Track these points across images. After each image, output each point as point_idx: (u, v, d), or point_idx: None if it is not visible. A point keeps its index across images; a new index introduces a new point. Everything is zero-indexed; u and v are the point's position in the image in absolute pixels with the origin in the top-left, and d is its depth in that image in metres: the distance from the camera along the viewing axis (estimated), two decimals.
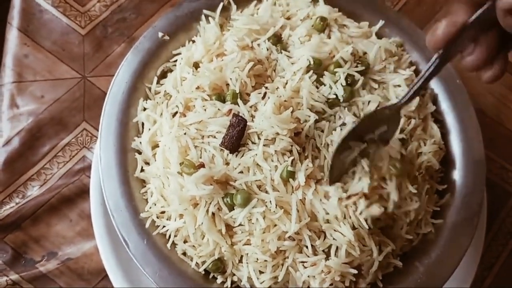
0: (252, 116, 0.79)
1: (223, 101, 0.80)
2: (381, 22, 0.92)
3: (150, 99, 0.86)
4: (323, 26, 0.87)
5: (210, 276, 0.78)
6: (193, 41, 0.91)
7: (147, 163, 0.83)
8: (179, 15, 0.92)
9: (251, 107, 0.80)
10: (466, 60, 0.62)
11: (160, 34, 0.90)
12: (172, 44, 0.91)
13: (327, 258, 0.74)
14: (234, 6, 0.92)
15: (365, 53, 0.87)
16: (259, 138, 0.77)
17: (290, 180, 0.75)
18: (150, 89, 0.87)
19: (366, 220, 0.74)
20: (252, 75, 0.82)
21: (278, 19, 0.89)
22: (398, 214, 0.78)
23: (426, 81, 0.69)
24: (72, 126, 1.04)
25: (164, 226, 0.78)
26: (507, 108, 1.13)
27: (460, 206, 0.83)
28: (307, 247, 0.74)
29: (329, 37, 0.87)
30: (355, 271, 0.74)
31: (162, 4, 1.16)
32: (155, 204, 0.79)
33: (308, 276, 0.74)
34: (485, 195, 0.89)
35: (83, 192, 0.99)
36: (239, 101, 0.79)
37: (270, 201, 0.74)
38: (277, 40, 0.87)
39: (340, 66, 0.83)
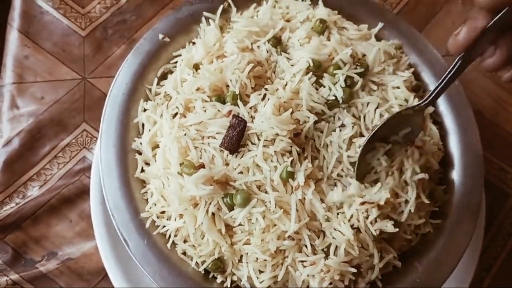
0: (252, 117, 0.79)
1: (223, 102, 0.81)
2: (380, 25, 0.93)
3: (151, 100, 0.87)
4: (323, 28, 0.88)
5: (210, 276, 0.78)
6: (193, 43, 0.91)
7: (147, 164, 0.83)
8: (180, 17, 0.93)
9: (251, 108, 0.80)
10: (487, 62, 0.66)
11: (161, 36, 0.90)
12: (172, 46, 0.91)
13: (326, 257, 0.74)
14: (234, 9, 0.93)
15: (364, 55, 0.87)
16: (258, 139, 0.77)
17: (290, 180, 0.76)
18: (150, 90, 0.88)
19: (375, 230, 0.75)
20: (252, 77, 0.82)
21: (277, 21, 0.89)
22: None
23: (448, 83, 0.73)
24: (72, 127, 1.05)
25: (164, 226, 0.79)
26: (505, 110, 1.14)
27: (459, 206, 0.83)
28: (306, 246, 0.74)
29: (328, 39, 0.88)
30: (354, 270, 0.75)
31: (162, 6, 1.17)
32: (155, 204, 0.80)
33: (308, 275, 0.74)
34: (483, 196, 0.89)
35: (83, 193, 0.99)
36: (239, 102, 0.80)
37: (270, 201, 0.74)
38: (276, 42, 0.87)
39: (339, 68, 0.84)
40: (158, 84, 0.88)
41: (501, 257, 1.02)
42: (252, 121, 0.79)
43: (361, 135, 0.82)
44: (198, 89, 0.82)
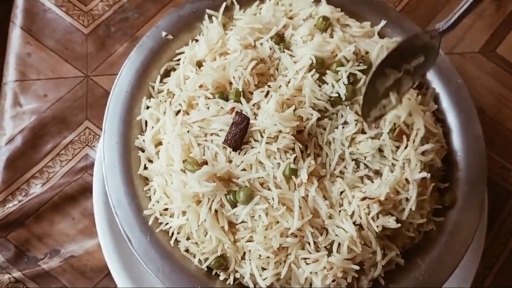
0: (255, 114, 0.79)
1: (226, 99, 0.81)
2: (383, 22, 0.93)
3: (153, 98, 0.87)
4: (326, 25, 0.88)
5: (213, 273, 0.78)
6: (196, 40, 0.91)
7: (150, 161, 0.83)
8: (182, 15, 0.93)
9: (254, 105, 0.80)
10: None
11: (164, 34, 0.90)
12: (175, 44, 0.91)
13: (329, 255, 0.74)
14: (237, 6, 0.93)
15: (367, 52, 0.87)
16: (261, 136, 0.77)
17: (293, 177, 0.76)
18: (153, 87, 0.88)
19: (377, 226, 0.75)
20: (254, 74, 0.83)
21: (280, 19, 0.89)
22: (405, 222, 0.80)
23: (469, 9, 0.70)
24: (74, 124, 1.05)
25: (167, 223, 0.79)
26: (507, 108, 1.13)
27: (462, 204, 0.83)
28: (309, 243, 0.74)
29: (331, 36, 0.88)
30: (357, 267, 0.74)
31: (164, 4, 1.17)
32: (158, 202, 0.80)
33: (311, 273, 0.74)
34: (486, 194, 0.89)
35: (86, 190, 0.99)
36: (242, 99, 0.80)
37: (273, 198, 0.74)
38: (279, 39, 0.87)
39: (342, 65, 0.84)
40: (161, 81, 0.88)
41: (503, 255, 1.02)
42: (255, 118, 0.79)
43: (363, 132, 0.82)
44: (201, 86, 0.82)
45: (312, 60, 0.82)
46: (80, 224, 0.98)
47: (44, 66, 1.09)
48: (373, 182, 0.78)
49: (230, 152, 0.77)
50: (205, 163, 0.76)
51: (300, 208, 0.74)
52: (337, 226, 0.75)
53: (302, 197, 0.75)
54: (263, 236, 0.74)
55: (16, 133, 1.03)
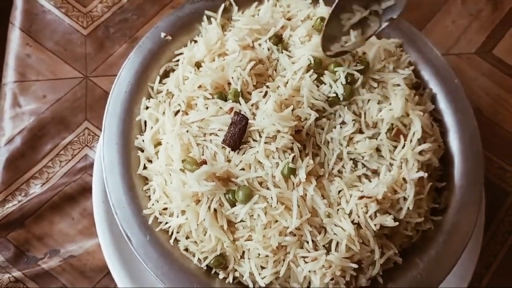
0: (254, 114, 0.80)
1: (225, 99, 0.82)
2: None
3: (153, 98, 0.87)
4: (323, 26, 0.88)
5: (212, 272, 0.79)
6: (195, 41, 0.92)
7: (150, 161, 0.84)
8: (181, 16, 0.93)
9: (252, 105, 0.81)
10: None
11: (163, 35, 0.91)
12: (174, 44, 0.92)
13: (327, 253, 0.75)
14: (235, 7, 0.94)
15: (364, 53, 0.88)
16: (260, 136, 0.78)
17: (291, 176, 0.76)
18: (152, 88, 0.89)
19: (375, 225, 0.76)
20: (253, 74, 0.83)
21: (278, 20, 0.90)
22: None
23: None
24: (74, 125, 1.05)
25: (166, 223, 0.79)
26: (504, 108, 1.14)
27: (459, 203, 0.84)
28: (308, 242, 0.75)
29: None
30: (356, 266, 0.75)
31: (163, 5, 1.18)
32: (157, 201, 0.80)
33: (309, 271, 0.74)
34: (483, 194, 0.90)
35: (85, 191, 1.00)
36: (240, 99, 0.80)
37: (272, 197, 0.75)
38: (278, 40, 0.88)
39: (340, 65, 0.84)
40: (160, 82, 0.89)
41: (500, 255, 1.03)
42: (253, 118, 0.79)
43: (361, 132, 0.82)
44: (200, 86, 0.83)
45: (310, 61, 0.83)
46: (79, 224, 0.98)
47: (44, 67, 1.09)
48: (371, 181, 0.79)
49: (229, 152, 0.78)
50: (204, 162, 0.76)
51: (299, 207, 0.75)
52: (335, 225, 0.76)
53: (301, 196, 0.76)
54: (262, 235, 0.74)
55: (15, 133, 1.03)
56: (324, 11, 0.91)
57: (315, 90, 0.82)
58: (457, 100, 0.90)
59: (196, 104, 0.82)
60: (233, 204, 0.76)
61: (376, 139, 0.82)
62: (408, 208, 0.78)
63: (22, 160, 1.02)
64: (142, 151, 0.84)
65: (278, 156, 0.77)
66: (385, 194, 0.76)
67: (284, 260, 0.75)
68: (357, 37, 0.79)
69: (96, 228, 0.90)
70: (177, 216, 0.78)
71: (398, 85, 0.85)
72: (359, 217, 0.76)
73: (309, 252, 0.75)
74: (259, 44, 0.87)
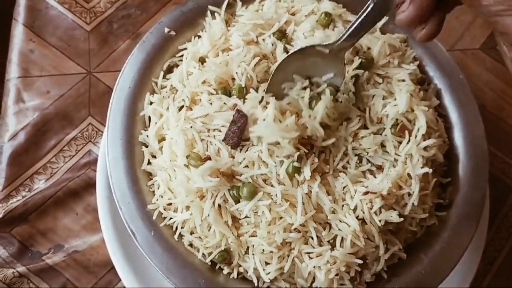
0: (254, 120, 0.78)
1: (229, 95, 0.81)
2: (385, 18, 0.93)
3: (157, 94, 0.87)
4: (328, 21, 0.88)
5: (217, 267, 0.79)
6: (199, 37, 0.92)
7: (154, 156, 0.84)
8: (185, 11, 0.93)
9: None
10: (400, 16, 0.65)
11: (166, 30, 0.91)
12: (178, 40, 0.92)
13: (332, 249, 0.75)
14: (239, 2, 0.93)
15: (369, 48, 0.87)
16: (261, 142, 0.77)
17: (296, 175, 0.76)
18: (156, 83, 0.88)
19: (380, 221, 0.76)
20: (259, 72, 0.82)
21: (282, 15, 0.90)
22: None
23: (361, 28, 0.74)
24: (77, 121, 1.05)
25: (171, 218, 0.79)
26: (508, 104, 1.14)
27: (464, 199, 0.84)
28: (312, 238, 0.75)
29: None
30: (360, 261, 0.75)
31: (166, 1, 1.17)
32: (162, 196, 0.80)
33: (314, 267, 0.74)
34: (488, 189, 0.89)
35: (89, 186, 1.00)
36: (240, 100, 0.79)
37: (276, 194, 0.74)
38: (281, 35, 0.87)
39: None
40: (164, 77, 0.89)
41: (505, 250, 1.03)
42: (253, 123, 0.77)
43: (366, 127, 0.82)
44: (204, 82, 0.83)
45: None
46: (83, 219, 0.98)
47: (47, 62, 1.09)
48: (375, 177, 0.79)
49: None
50: (209, 158, 0.76)
51: (303, 203, 0.75)
52: (340, 221, 0.76)
53: (306, 193, 0.75)
54: (267, 231, 0.74)
55: (19, 129, 1.03)
56: (328, 6, 0.90)
57: (331, 106, 0.80)
58: (462, 96, 0.90)
59: (200, 99, 0.82)
60: (237, 201, 0.76)
61: (381, 134, 0.81)
62: (413, 203, 0.78)
63: (26, 155, 1.02)
64: (146, 146, 0.84)
65: (282, 155, 0.77)
66: (390, 189, 0.76)
67: (288, 256, 0.75)
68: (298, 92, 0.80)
69: (100, 224, 0.90)
70: (182, 212, 0.78)
71: (403, 80, 0.85)
72: (363, 212, 0.76)
73: (313, 248, 0.75)
74: (263, 39, 0.87)
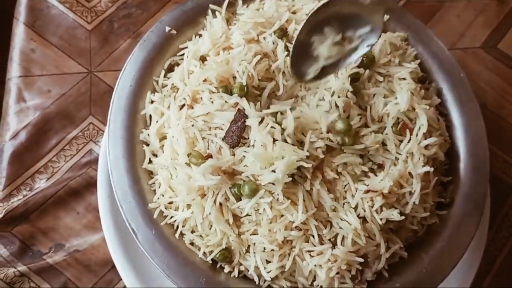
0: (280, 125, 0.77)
1: (230, 93, 0.81)
2: (386, 17, 0.93)
3: (158, 92, 0.87)
4: None
5: (218, 266, 0.79)
6: (200, 35, 0.92)
7: (155, 155, 0.84)
8: (186, 10, 0.93)
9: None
10: None
11: (167, 29, 0.91)
12: (178, 39, 0.92)
13: (333, 247, 0.75)
14: (240, 1, 0.94)
15: None
16: None
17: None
18: (157, 82, 0.88)
19: (381, 219, 0.76)
20: (260, 70, 0.82)
21: (283, 13, 0.90)
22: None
23: None
24: (78, 120, 1.05)
25: (172, 217, 0.79)
26: (509, 102, 1.14)
27: (465, 197, 0.84)
28: (313, 236, 0.75)
29: None
30: (361, 260, 0.75)
31: (167, 0, 1.17)
32: (163, 195, 0.80)
33: (315, 265, 0.74)
34: (488, 188, 0.89)
35: (90, 185, 1.00)
36: (244, 99, 0.79)
37: (277, 192, 0.74)
38: (282, 33, 0.87)
39: None
40: (165, 76, 0.89)
41: (505, 249, 1.03)
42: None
43: (367, 126, 0.82)
44: (205, 80, 0.83)
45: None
46: (84, 218, 0.98)
47: (48, 62, 1.09)
48: (376, 176, 0.79)
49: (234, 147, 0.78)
50: (210, 156, 0.76)
51: (304, 201, 0.75)
52: (341, 219, 0.76)
53: (307, 191, 0.75)
54: (268, 229, 0.74)
55: (20, 128, 1.03)
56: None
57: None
58: (462, 94, 0.90)
59: (201, 98, 0.82)
60: (238, 198, 0.76)
61: (382, 133, 0.81)
62: (414, 202, 0.78)
63: (27, 154, 1.02)
64: (147, 145, 0.84)
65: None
66: (391, 188, 0.76)
67: (289, 254, 0.75)
68: (330, 51, 0.77)
69: (101, 223, 0.90)
70: (183, 210, 0.78)
71: (404, 79, 0.85)
72: (365, 211, 0.76)
73: (314, 246, 0.75)
74: (264, 38, 0.86)
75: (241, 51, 0.83)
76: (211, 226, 0.76)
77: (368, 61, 0.84)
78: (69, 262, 0.95)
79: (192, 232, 0.79)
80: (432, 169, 0.80)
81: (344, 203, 0.77)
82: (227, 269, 0.78)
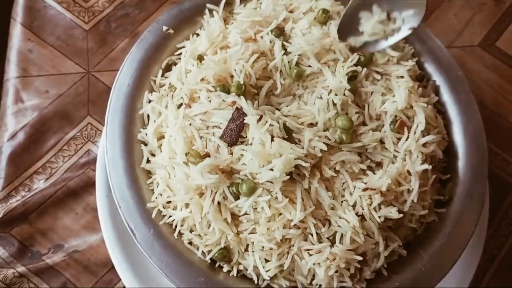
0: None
1: (228, 92, 0.81)
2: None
3: (155, 92, 0.87)
4: (326, 18, 0.88)
5: (216, 265, 0.79)
6: (197, 35, 0.92)
7: (153, 154, 0.84)
8: (183, 9, 0.93)
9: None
10: None
11: (165, 28, 0.91)
12: (176, 38, 0.92)
13: (332, 246, 0.75)
14: (237, 0, 0.93)
15: None
16: None
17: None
18: (155, 82, 0.88)
19: (379, 217, 0.76)
20: (257, 69, 0.82)
21: (280, 12, 0.89)
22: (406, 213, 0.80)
23: None
24: (76, 120, 1.05)
25: (170, 216, 0.79)
26: (507, 100, 1.14)
27: (463, 195, 0.84)
28: (312, 235, 0.75)
29: None
30: (360, 258, 0.75)
31: (164, 0, 1.17)
32: (161, 194, 0.80)
33: (314, 264, 0.74)
34: (487, 185, 0.89)
35: (88, 185, 1.00)
36: (242, 98, 0.79)
37: (275, 191, 0.74)
38: (279, 32, 0.87)
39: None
40: (162, 75, 0.89)
41: (505, 248, 1.02)
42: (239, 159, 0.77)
43: (365, 124, 0.82)
44: (202, 79, 0.83)
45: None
46: (83, 219, 0.98)
47: (46, 62, 1.09)
48: (375, 174, 0.79)
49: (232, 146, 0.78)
50: (208, 155, 0.76)
51: (303, 200, 0.75)
52: (340, 217, 0.76)
53: (305, 189, 0.75)
54: (266, 228, 0.74)
55: (18, 129, 1.03)
56: (326, 3, 0.90)
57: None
58: (460, 92, 0.90)
59: (199, 97, 0.82)
60: (236, 197, 0.76)
61: (380, 131, 0.81)
62: (412, 200, 0.78)
63: (25, 155, 1.02)
64: (145, 144, 0.84)
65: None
66: (389, 186, 0.76)
67: (288, 253, 0.75)
68: (375, 28, 0.79)
69: (99, 223, 0.90)
70: (181, 209, 0.78)
71: (402, 77, 0.85)
72: (363, 209, 0.76)
73: (313, 244, 0.75)
74: (261, 37, 0.86)
75: (238, 50, 0.83)
76: (210, 225, 0.76)
77: (366, 60, 0.84)
78: (68, 263, 0.95)
79: (191, 231, 0.79)
80: (430, 167, 0.80)
81: (342, 201, 0.77)
82: (225, 268, 0.78)
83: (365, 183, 0.77)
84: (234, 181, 0.76)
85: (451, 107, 0.90)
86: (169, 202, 0.80)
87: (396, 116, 0.82)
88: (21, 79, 1.07)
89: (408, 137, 0.81)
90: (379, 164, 0.81)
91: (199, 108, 0.80)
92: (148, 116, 0.86)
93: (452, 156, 0.87)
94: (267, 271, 0.75)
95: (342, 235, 0.75)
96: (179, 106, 0.83)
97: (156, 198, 0.80)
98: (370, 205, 0.75)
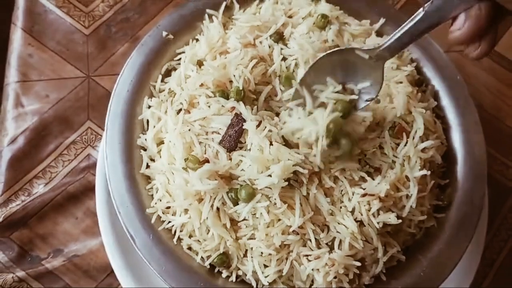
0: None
1: (227, 97, 0.81)
2: (382, 20, 0.93)
3: (155, 97, 0.87)
4: (324, 23, 0.88)
5: (215, 271, 0.79)
6: (197, 40, 0.92)
7: (152, 160, 0.84)
8: (183, 15, 0.93)
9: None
10: (455, 34, 0.62)
11: (164, 33, 0.91)
12: (176, 43, 0.92)
13: (330, 251, 0.75)
14: (236, 6, 0.94)
15: None
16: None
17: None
18: (154, 87, 0.89)
19: (378, 223, 0.76)
20: (256, 74, 0.83)
21: (280, 17, 0.90)
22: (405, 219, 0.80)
23: (406, 37, 0.69)
24: (76, 125, 1.06)
25: (169, 222, 0.79)
26: (506, 104, 1.14)
27: (463, 200, 0.84)
28: (311, 240, 0.75)
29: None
30: (359, 264, 0.75)
31: (164, 4, 1.18)
32: (160, 200, 0.80)
33: (312, 270, 0.74)
34: (486, 190, 0.89)
35: (88, 190, 1.00)
36: (241, 103, 0.79)
37: (274, 197, 0.74)
38: (279, 37, 0.88)
39: None
40: (162, 81, 0.89)
41: (504, 252, 1.03)
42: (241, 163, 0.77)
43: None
44: (202, 85, 0.83)
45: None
46: (83, 223, 0.98)
47: (46, 67, 1.10)
48: (373, 179, 0.79)
49: (231, 151, 0.78)
50: (207, 161, 0.76)
51: (301, 205, 0.75)
52: (338, 223, 0.76)
53: (304, 195, 0.76)
54: (265, 234, 0.74)
55: (18, 133, 1.04)
56: (325, 8, 0.90)
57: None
58: (459, 97, 0.90)
59: (198, 102, 0.82)
60: (235, 203, 0.76)
61: (379, 137, 0.81)
62: (411, 206, 0.78)
63: (25, 160, 1.02)
64: (145, 150, 0.84)
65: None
66: (387, 192, 0.76)
67: (287, 259, 0.76)
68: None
69: (99, 228, 0.90)
70: (180, 215, 0.78)
71: (401, 82, 0.85)
72: (362, 215, 0.76)
73: (312, 250, 0.75)
74: (260, 42, 0.87)
75: (237, 55, 0.83)
76: (209, 230, 0.76)
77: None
78: (68, 267, 0.95)
79: (190, 237, 0.79)
80: (429, 172, 0.80)
81: (341, 207, 0.77)
82: (225, 273, 0.78)
83: (364, 189, 0.77)
84: (233, 186, 0.76)
85: (450, 111, 0.90)
86: (168, 207, 0.80)
87: (394, 121, 0.82)
88: (21, 84, 1.08)
89: (406, 143, 0.81)
90: (378, 170, 0.81)
91: (198, 114, 0.80)
92: (148, 121, 0.86)
93: (451, 161, 0.87)
94: (266, 277, 0.75)
95: (340, 240, 0.75)
96: (179, 111, 0.83)
97: (156, 203, 0.80)
98: (369, 210, 0.76)
